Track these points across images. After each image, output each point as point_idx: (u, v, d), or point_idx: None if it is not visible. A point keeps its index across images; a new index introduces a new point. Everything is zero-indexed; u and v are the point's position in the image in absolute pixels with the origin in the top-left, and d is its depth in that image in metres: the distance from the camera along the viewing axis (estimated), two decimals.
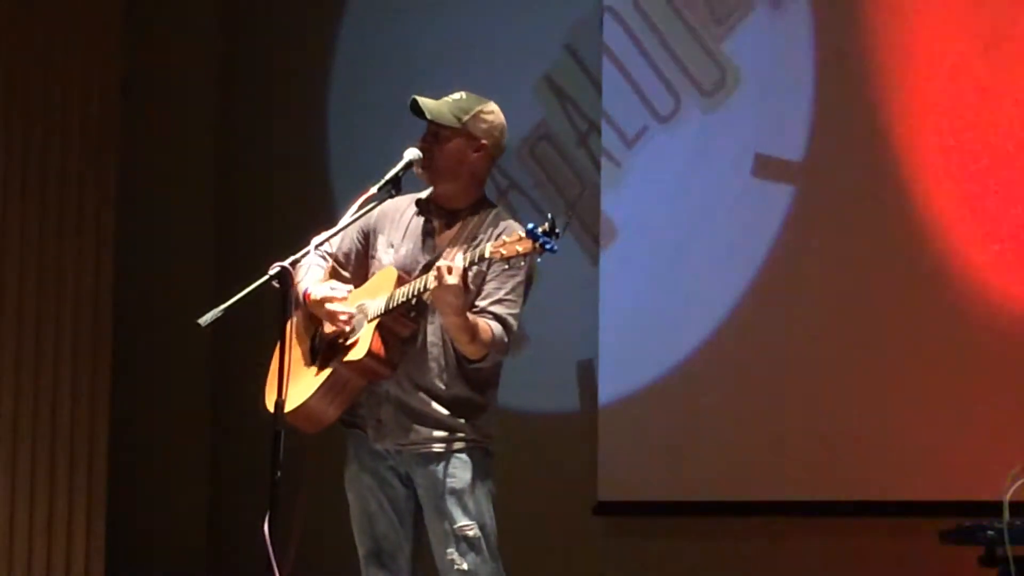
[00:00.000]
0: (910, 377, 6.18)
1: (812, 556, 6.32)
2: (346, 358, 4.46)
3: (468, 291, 4.37)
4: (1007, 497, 5.12)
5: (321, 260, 4.65)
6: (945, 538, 5.34)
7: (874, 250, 6.28)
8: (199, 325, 4.23)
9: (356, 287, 4.62)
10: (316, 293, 4.53)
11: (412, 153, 4.55)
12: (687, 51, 6.70)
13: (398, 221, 4.64)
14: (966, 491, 5.93)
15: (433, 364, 4.50)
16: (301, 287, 4.52)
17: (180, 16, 7.83)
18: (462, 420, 4.51)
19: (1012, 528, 5.09)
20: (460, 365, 4.50)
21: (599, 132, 6.91)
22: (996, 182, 6.08)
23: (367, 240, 4.67)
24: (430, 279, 4.34)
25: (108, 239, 7.10)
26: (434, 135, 4.57)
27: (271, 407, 4.44)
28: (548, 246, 4.20)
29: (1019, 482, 5.15)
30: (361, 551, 4.58)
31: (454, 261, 4.30)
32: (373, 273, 4.62)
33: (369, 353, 4.43)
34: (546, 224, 4.20)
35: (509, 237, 4.28)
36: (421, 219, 4.62)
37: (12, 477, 6.75)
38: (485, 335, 4.42)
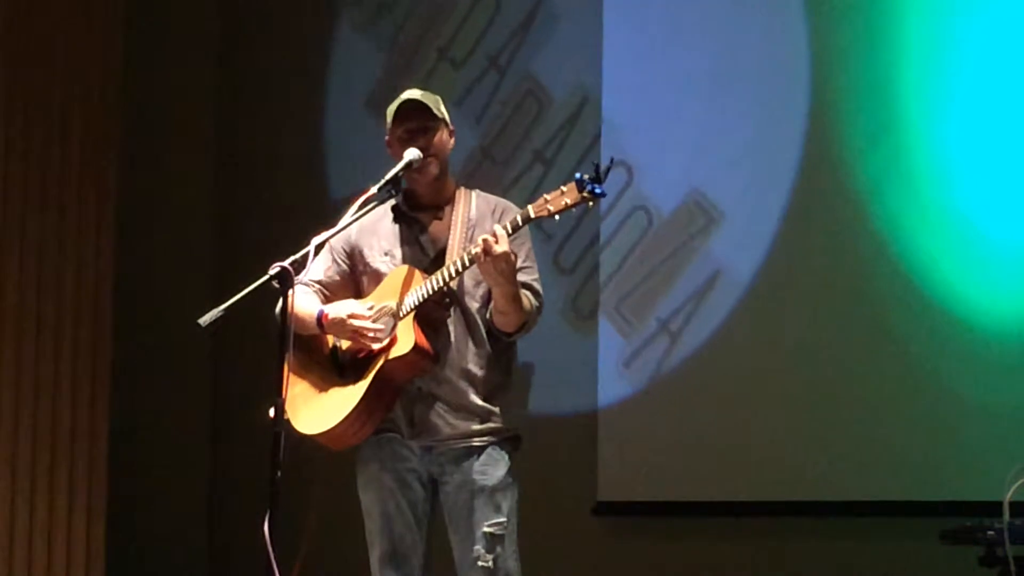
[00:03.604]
0: (910, 377, 6.18)
1: (812, 556, 6.32)
2: (392, 355, 4.46)
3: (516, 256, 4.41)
4: (1007, 497, 5.13)
5: (307, 290, 4.64)
6: (945, 538, 5.35)
7: (873, 251, 6.28)
8: (199, 325, 4.22)
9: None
10: (336, 311, 4.52)
11: (412, 153, 4.57)
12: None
13: (381, 231, 4.66)
14: (966, 491, 5.93)
15: (465, 350, 4.55)
16: (306, 311, 4.51)
17: (181, 16, 7.82)
18: (494, 407, 4.57)
19: (1012, 528, 5.09)
20: (492, 346, 4.55)
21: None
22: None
23: (352, 259, 4.69)
24: (465, 258, 4.38)
25: (108, 239, 7.10)
26: (427, 130, 4.60)
27: (303, 429, 4.49)
28: (598, 190, 4.26)
29: (1019, 482, 5.15)
30: (377, 552, 4.58)
31: (495, 231, 4.34)
32: (366, 288, 4.63)
33: (415, 346, 4.44)
34: (586, 174, 4.27)
35: (550, 194, 4.33)
36: (407, 221, 4.65)
37: (12, 477, 6.74)
38: (526, 303, 4.50)
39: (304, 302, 4.53)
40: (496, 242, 4.32)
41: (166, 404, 7.59)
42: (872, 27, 6.37)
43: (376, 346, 4.48)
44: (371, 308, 4.53)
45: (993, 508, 5.21)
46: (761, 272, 6.50)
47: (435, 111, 4.63)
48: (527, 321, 4.52)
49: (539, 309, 4.57)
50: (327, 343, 4.63)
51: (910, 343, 6.19)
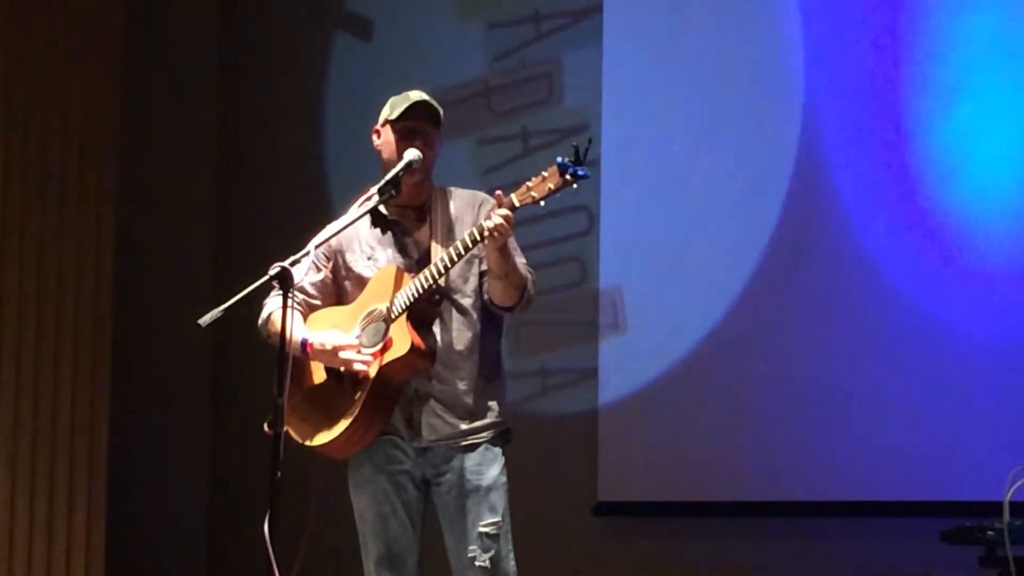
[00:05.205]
0: (909, 377, 6.18)
1: (812, 556, 6.32)
2: (389, 358, 4.45)
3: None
4: (1007, 497, 5.13)
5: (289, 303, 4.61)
6: (945, 538, 5.35)
7: (872, 250, 6.29)
8: (199, 325, 4.22)
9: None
10: (322, 341, 4.49)
11: (412, 154, 4.56)
12: None
13: (362, 238, 4.66)
14: (966, 491, 5.93)
15: (457, 346, 4.54)
16: (296, 334, 4.48)
17: (180, 16, 7.83)
18: (488, 403, 4.56)
19: (1012, 528, 5.10)
20: (481, 341, 4.54)
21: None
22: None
23: (333, 265, 4.68)
24: (466, 241, 4.37)
25: (108, 239, 7.09)
26: (429, 136, 4.61)
27: (306, 441, 4.50)
28: (581, 172, 4.25)
29: (1019, 482, 5.15)
30: (372, 555, 4.57)
31: (495, 214, 4.33)
32: (350, 292, 4.63)
33: (412, 347, 4.44)
34: (567, 157, 4.25)
35: (532, 181, 4.32)
36: (388, 225, 4.65)
37: (12, 477, 6.74)
38: (523, 271, 4.52)
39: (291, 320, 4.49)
40: (507, 222, 4.32)
41: (166, 404, 7.59)
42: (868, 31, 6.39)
43: (367, 371, 4.47)
44: (363, 317, 4.53)
45: (993, 508, 5.21)
46: (758, 273, 6.49)
47: (440, 120, 4.65)
48: (526, 287, 4.51)
49: (534, 283, 4.57)
50: None
51: (910, 343, 6.19)
